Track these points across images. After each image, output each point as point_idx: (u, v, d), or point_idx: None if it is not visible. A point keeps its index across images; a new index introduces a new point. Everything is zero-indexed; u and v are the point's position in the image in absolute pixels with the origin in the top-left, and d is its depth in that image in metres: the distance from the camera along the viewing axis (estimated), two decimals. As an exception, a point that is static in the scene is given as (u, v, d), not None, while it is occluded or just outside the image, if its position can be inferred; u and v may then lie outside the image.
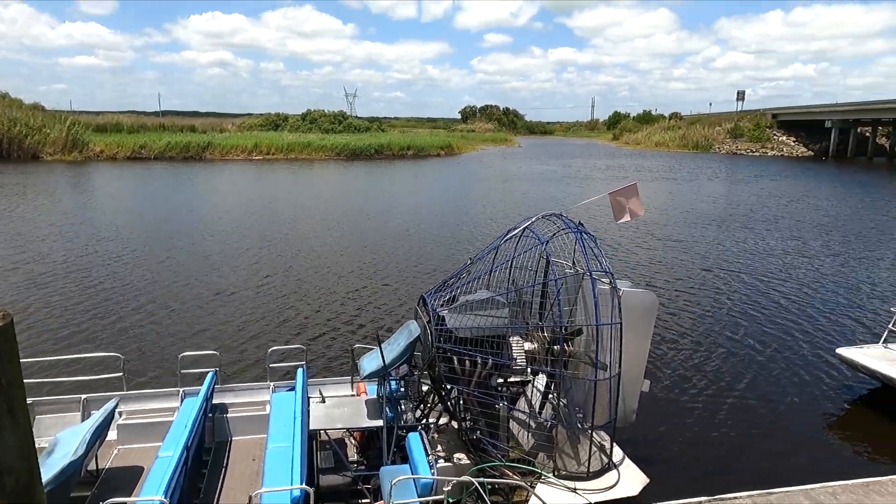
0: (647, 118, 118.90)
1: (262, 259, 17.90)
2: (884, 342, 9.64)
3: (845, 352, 9.53)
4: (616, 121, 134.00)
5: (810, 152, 78.28)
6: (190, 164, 52.36)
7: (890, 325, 9.66)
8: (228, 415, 6.87)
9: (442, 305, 6.16)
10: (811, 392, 9.69)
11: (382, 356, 6.22)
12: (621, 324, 5.62)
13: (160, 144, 56.58)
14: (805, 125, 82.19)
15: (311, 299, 14.05)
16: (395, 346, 6.41)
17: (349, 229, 23.05)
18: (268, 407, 6.74)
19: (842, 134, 75.28)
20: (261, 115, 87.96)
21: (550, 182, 42.28)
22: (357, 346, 7.88)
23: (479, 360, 5.89)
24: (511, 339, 6.27)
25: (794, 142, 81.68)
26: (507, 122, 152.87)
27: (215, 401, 6.93)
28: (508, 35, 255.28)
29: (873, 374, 9.07)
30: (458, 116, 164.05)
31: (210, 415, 6.65)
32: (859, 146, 75.18)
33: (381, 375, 6.34)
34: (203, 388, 6.33)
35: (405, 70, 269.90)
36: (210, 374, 6.62)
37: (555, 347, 5.95)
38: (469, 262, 6.60)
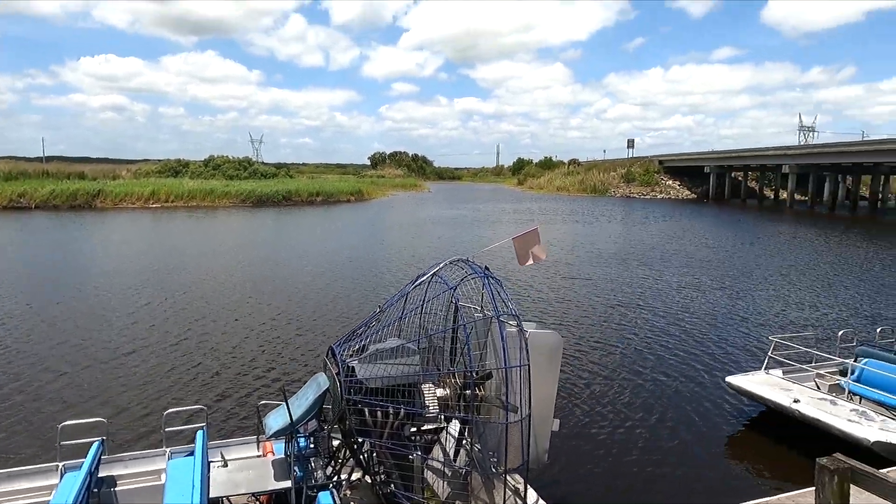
0: (548, 164, 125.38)
1: (162, 314, 16.78)
2: (765, 369, 10.48)
3: (734, 380, 10.26)
4: (520, 167, 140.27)
5: (693, 195, 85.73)
6: (79, 212, 48.79)
7: (769, 353, 10.55)
8: (117, 488, 6.24)
9: (351, 356, 6.03)
10: (710, 420, 10.29)
11: (289, 412, 5.95)
12: (529, 365, 5.75)
13: (43, 192, 52.37)
14: (687, 170, 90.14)
15: (216, 355, 13.28)
16: (303, 401, 6.15)
17: (256, 279, 22.21)
18: (163, 476, 6.20)
19: (719, 178, 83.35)
20: (159, 160, 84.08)
21: (462, 226, 43.20)
22: (263, 402, 7.49)
23: (392, 411, 5.78)
24: (423, 386, 6.22)
25: (679, 185, 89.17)
26: (416, 168, 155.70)
27: (102, 473, 6.28)
28: (415, 85, 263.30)
29: (758, 399, 9.80)
30: (368, 162, 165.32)
31: (95, 490, 6.00)
32: (734, 189, 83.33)
33: (288, 433, 6.04)
34: (87, 461, 5.72)
35: (313, 116, 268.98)
36: (95, 445, 6.01)
37: (466, 392, 5.96)
38: (378, 309, 6.54)
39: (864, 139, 70.43)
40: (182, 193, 57.91)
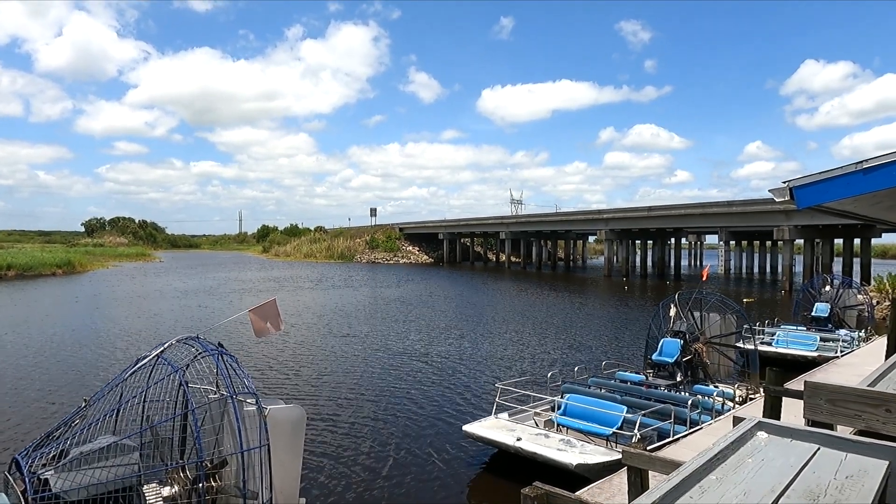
0: (294, 231, 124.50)
1: None
2: (495, 413, 11.65)
3: (469, 427, 11.12)
4: (265, 234, 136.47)
5: (431, 259, 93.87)
6: None
7: (497, 398, 11.79)
8: None
9: (45, 465, 4.97)
10: (455, 468, 10.87)
11: (-51, 555, 4.58)
12: (269, 445, 5.45)
13: None
14: (425, 237, 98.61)
15: None
16: (-29, 537, 4.81)
17: None
18: None
19: (451, 244, 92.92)
20: None
21: (202, 297, 39.67)
22: None
23: (102, 525, 4.87)
24: (146, 487, 5.41)
25: (418, 251, 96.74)
26: (144, 235, 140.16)
27: None
28: (144, 145, 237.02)
29: (490, 443, 10.77)
30: (82, 229, 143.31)
31: None
32: (464, 253, 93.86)
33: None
34: None
35: (5, 174, 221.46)
36: None
37: (198, 486, 5.36)
38: (84, 403, 5.56)
39: (557, 211, 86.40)
40: None
